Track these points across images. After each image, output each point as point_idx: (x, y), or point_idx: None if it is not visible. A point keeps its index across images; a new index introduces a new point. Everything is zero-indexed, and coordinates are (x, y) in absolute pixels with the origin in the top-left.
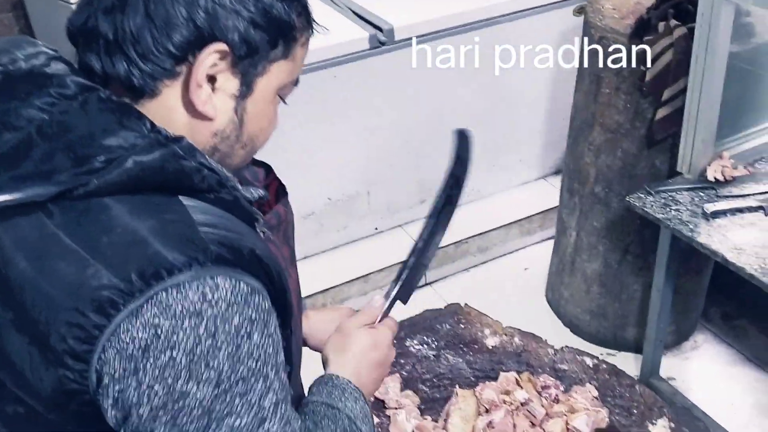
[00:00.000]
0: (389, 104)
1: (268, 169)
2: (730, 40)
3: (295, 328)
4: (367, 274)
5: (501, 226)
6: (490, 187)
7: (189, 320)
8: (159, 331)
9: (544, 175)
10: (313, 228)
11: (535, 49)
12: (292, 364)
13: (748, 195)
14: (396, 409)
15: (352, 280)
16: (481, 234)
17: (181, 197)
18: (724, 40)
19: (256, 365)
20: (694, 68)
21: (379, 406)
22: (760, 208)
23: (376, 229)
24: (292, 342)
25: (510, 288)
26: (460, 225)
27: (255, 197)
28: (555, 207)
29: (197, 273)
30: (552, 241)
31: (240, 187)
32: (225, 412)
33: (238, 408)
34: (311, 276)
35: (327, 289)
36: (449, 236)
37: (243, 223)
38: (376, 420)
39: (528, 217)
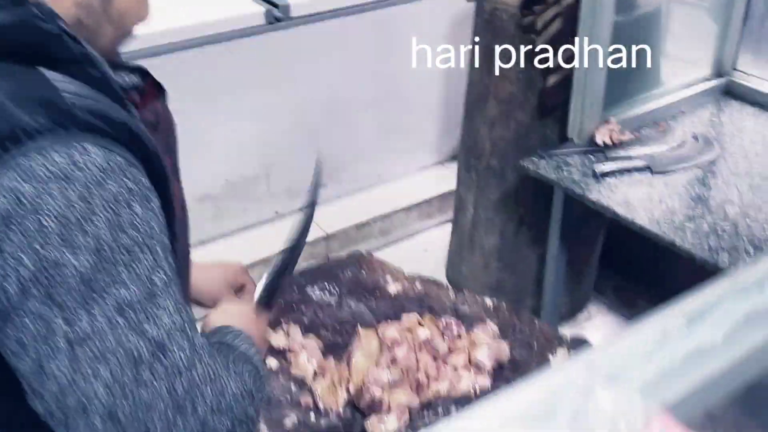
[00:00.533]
0: (287, 83)
1: (144, 74)
2: (615, 11)
3: (180, 235)
4: (268, 258)
5: (401, 209)
6: (391, 172)
7: (56, 183)
8: (21, 197)
9: (442, 160)
10: (210, 211)
11: (430, 33)
12: (181, 276)
13: (635, 156)
14: (297, 352)
15: (252, 264)
16: (382, 217)
17: (41, 68)
18: (608, 9)
19: (140, 237)
20: (581, 36)
21: (280, 353)
22: (646, 167)
23: (277, 212)
24: (177, 250)
25: (411, 269)
26: (363, 208)
27: (129, 84)
28: (453, 190)
29: (63, 138)
30: (451, 225)
31: (109, 69)
32: (108, 281)
33: (124, 277)
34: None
35: None
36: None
37: (115, 103)
38: (275, 363)
39: (427, 200)
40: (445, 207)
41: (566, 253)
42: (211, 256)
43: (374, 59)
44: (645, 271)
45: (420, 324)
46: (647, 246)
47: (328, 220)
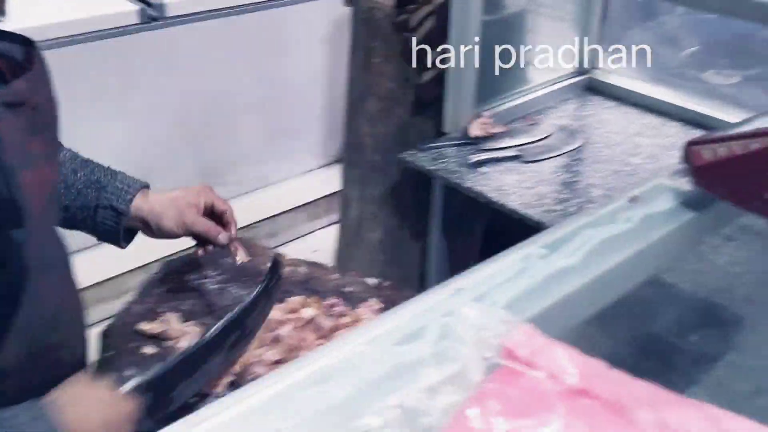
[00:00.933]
0: (166, 85)
1: (29, 46)
2: (484, 11)
3: (36, 230)
4: (149, 263)
5: (288, 211)
6: (277, 174)
7: None
8: None
9: (328, 162)
10: None
11: (312, 34)
12: (29, 267)
13: (506, 147)
14: (177, 338)
15: (133, 270)
16: (269, 219)
17: None
18: (476, 9)
19: None
20: (452, 35)
21: (158, 340)
22: (517, 156)
23: None
24: (28, 248)
25: None
26: (249, 211)
27: None
28: (339, 191)
29: None
30: (338, 226)
31: None
32: None
33: None
34: (88, 267)
35: (106, 280)
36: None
37: None
38: (154, 350)
39: (314, 201)
40: (333, 208)
41: (447, 245)
42: (90, 262)
43: (257, 61)
44: None
45: (304, 306)
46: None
47: None
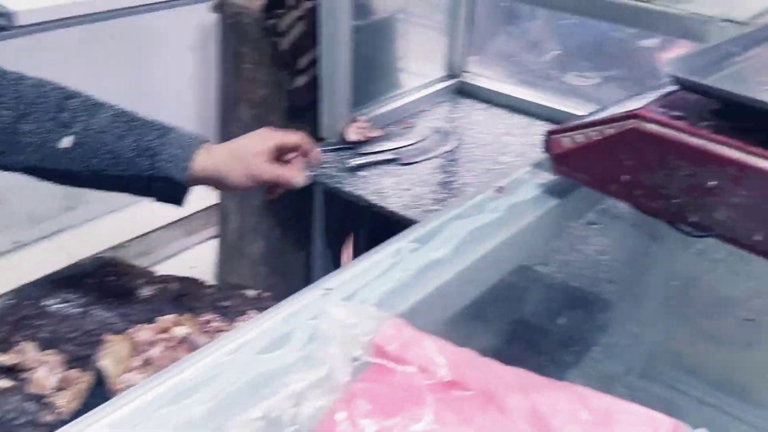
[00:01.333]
0: None
1: None
2: (353, 16)
3: None
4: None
5: (162, 227)
6: None
7: None
8: None
9: None
10: None
11: (179, 41)
12: None
13: (384, 150)
14: (34, 368)
15: None
16: (141, 236)
17: None
18: (345, 14)
19: None
20: (323, 39)
21: (13, 372)
22: (394, 159)
23: (16, 243)
24: None
25: None
26: (117, 229)
27: None
28: (216, 204)
29: None
30: (217, 240)
31: None
32: None
33: None
34: None
35: None
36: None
37: None
38: (10, 383)
39: (189, 215)
40: (211, 222)
41: (331, 252)
42: None
43: (120, 71)
44: None
45: (178, 324)
46: None
47: (77, 247)
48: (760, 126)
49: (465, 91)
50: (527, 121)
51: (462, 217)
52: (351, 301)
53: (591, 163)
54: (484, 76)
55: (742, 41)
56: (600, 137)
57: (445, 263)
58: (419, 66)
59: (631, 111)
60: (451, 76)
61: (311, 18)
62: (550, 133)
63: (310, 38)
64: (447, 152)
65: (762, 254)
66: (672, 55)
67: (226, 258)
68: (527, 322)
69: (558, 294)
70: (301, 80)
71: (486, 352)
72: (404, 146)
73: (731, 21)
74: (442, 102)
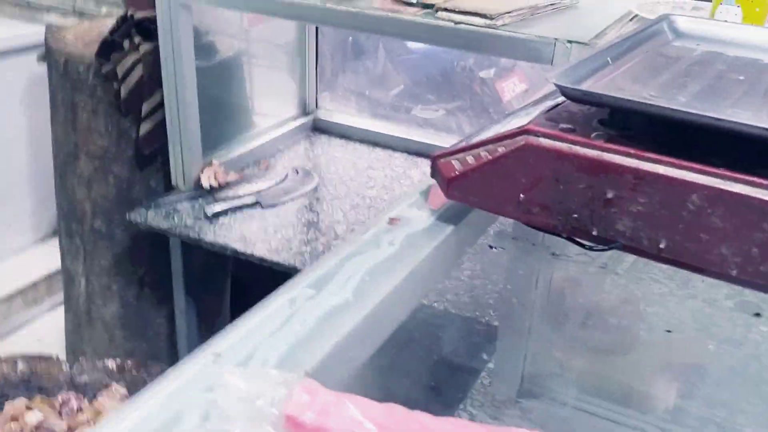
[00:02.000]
0: None
1: None
2: (196, 56)
3: None
4: None
5: (1, 299)
6: None
7: None
8: None
9: (42, 236)
10: None
11: (10, 94)
12: None
13: (244, 195)
14: None
15: None
16: None
17: None
18: (188, 54)
19: None
20: (167, 81)
21: None
22: (256, 203)
23: None
24: None
25: None
26: None
27: None
28: (60, 268)
29: None
30: (63, 307)
31: None
32: None
33: None
34: None
35: None
36: None
37: None
38: None
39: (31, 283)
40: (55, 288)
41: (195, 306)
42: None
43: None
44: None
45: (29, 408)
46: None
47: None
48: (650, 131)
49: (320, 128)
50: (387, 154)
51: (358, 254)
52: (248, 366)
53: (484, 185)
54: (338, 112)
55: (620, 47)
56: (491, 157)
57: (347, 309)
58: (271, 105)
59: (520, 127)
60: (305, 113)
61: (151, 60)
62: (437, 157)
63: (151, 82)
64: (310, 191)
65: (667, 262)
66: (508, 83)
67: (76, 326)
68: (435, 360)
69: (459, 326)
70: (145, 127)
71: (403, 398)
72: (264, 188)
73: (575, 42)
74: (298, 140)
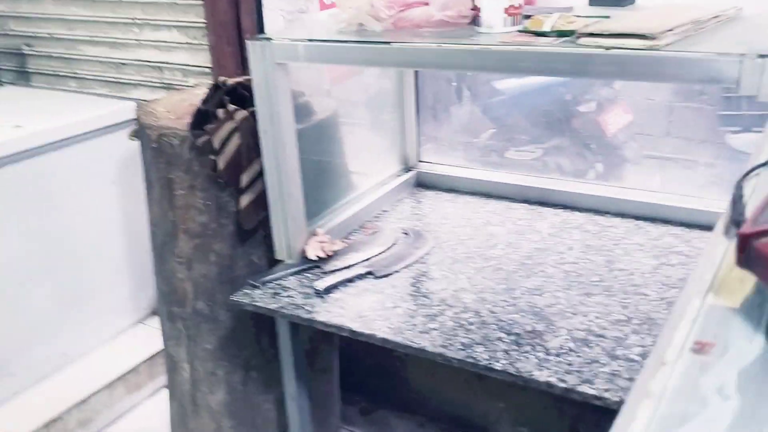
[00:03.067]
0: None
1: None
2: (295, 119)
3: None
4: None
5: (102, 389)
6: (79, 347)
7: None
8: None
9: (140, 318)
10: None
11: (99, 176)
12: None
13: (354, 264)
14: None
15: None
16: (79, 404)
17: None
18: (287, 118)
19: None
20: (266, 148)
21: None
22: (369, 273)
23: None
24: None
25: None
26: (51, 399)
27: None
28: (162, 350)
29: None
30: (166, 390)
31: None
32: None
33: None
34: None
35: None
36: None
37: None
38: None
39: (132, 369)
40: (156, 372)
41: (305, 389)
42: None
43: (34, 218)
44: (388, 384)
45: None
46: (382, 357)
47: (5, 427)
48: None
49: (425, 183)
50: (503, 206)
51: (677, 425)
52: None
53: None
54: (441, 164)
55: None
56: None
57: None
58: (372, 164)
59: None
60: (407, 169)
61: (247, 128)
62: (749, 235)
63: (249, 151)
64: (425, 255)
65: None
66: (611, 116)
67: (182, 415)
68: None
69: None
70: (246, 199)
71: None
72: (375, 255)
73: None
74: (403, 198)
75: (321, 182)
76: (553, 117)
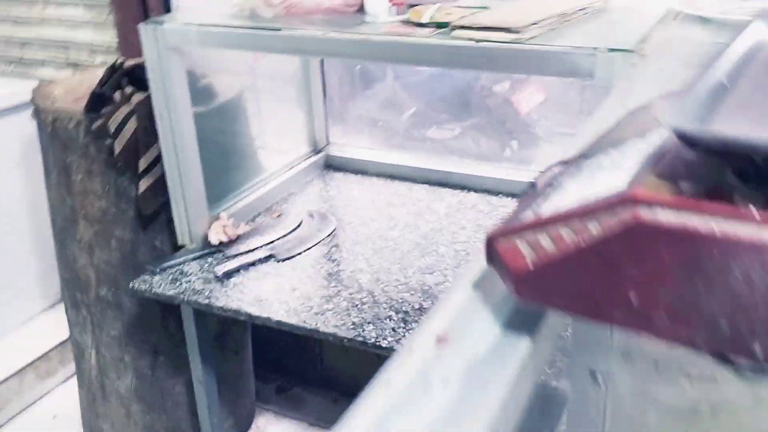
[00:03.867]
0: None
1: None
2: (192, 103)
3: None
4: None
5: (12, 376)
6: None
7: None
8: None
9: (51, 304)
10: None
11: (4, 157)
12: None
13: (256, 248)
14: None
15: None
16: None
17: None
18: (184, 102)
19: None
20: (163, 132)
21: None
22: (270, 256)
23: None
24: None
25: None
26: None
27: None
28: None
29: None
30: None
31: None
32: None
33: None
34: None
35: None
36: None
37: None
38: None
39: (42, 355)
40: (67, 358)
41: (214, 372)
42: None
43: None
44: (303, 362)
45: None
46: (297, 336)
47: None
48: None
49: (334, 165)
50: (406, 187)
51: (395, 412)
52: None
53: (570, 280)
54: (350, 145)
55: (727, 68)
56: (581, 241)
57: None
58: (279, 146)
59: (622, 194)
60: (316, 151)
61: (145, 112)
62: (494, 237)
63: (147, 135)
64: (328, 237)
65: None
66: (524, 95)
67: (91, 402)
68: None
69: None
70: (144, 184)
71: None
72: (278, 239)
73: (619, 50)
74: (311, 180)
75: (225, 165)
76: (470, 96)
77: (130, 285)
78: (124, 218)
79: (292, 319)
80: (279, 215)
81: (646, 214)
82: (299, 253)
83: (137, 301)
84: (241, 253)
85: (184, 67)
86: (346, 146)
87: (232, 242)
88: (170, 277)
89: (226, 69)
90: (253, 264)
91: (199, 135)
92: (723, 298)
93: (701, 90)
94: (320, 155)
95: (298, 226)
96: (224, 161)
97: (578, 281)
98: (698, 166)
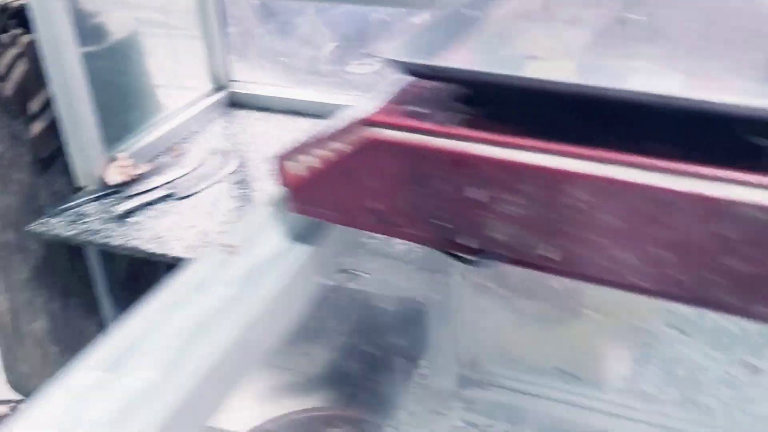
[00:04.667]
0: None
1: None
2: (81, 43)
3: None
4: None
5: None
6: None
7: None
8: None
9: None
10: None
11: None
12: None
13: (155, 188)
14: None
15: None
16: None
17: None
18: (70, 42)
19: None
20: (50, 75)
21: None
22: (169, 195)
23: None
24: None
25: None
26: None
27: None
28: None
29: None
30: None
31: None
32: None
33: None
34: None
35: None
36: None
37: None
38: None
39: None
40: None
41: (127, 309)
42: None
43: None
44: None
45: None
46: None
47: None
48: (527, 110)
49: (237, 102)
50: (313, 124)
51: (178, 308)
52: None
53: (332, 192)
54: (256, 82)
55: (470, 5)
56: (335, 157)
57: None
58: (179, 83)
59: (363, 117)
60: (218, 89)
61: (34, 54)
62: (281, 158)
63: (38, 77)
64: (230, 174)
65: (563, 274)
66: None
67: (8, 345)
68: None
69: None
70: (37, 127)
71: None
72: (178, 177)
73: None
74: (214, 119)
75: (122, 105)
76: (389, 29)
77: (28, 227)
78: (20, 162)
79: (190, 256)
80: (180, 154)
81: (377, 133)
82: (199, 191)
83: (43, 245)
84: (140, 193)
85: (70, 7)
86: (250, 83)
87: (131, 182)
88: (69, 219)
89: (118, 5)
90: (152, 203)
91: (91, 75)
92: (440, 203)
93: (430, 28)
94: (223, 93)
95: (200, 164)
96: (120, 101)
97: (334, 193)
98: (428, 94)
